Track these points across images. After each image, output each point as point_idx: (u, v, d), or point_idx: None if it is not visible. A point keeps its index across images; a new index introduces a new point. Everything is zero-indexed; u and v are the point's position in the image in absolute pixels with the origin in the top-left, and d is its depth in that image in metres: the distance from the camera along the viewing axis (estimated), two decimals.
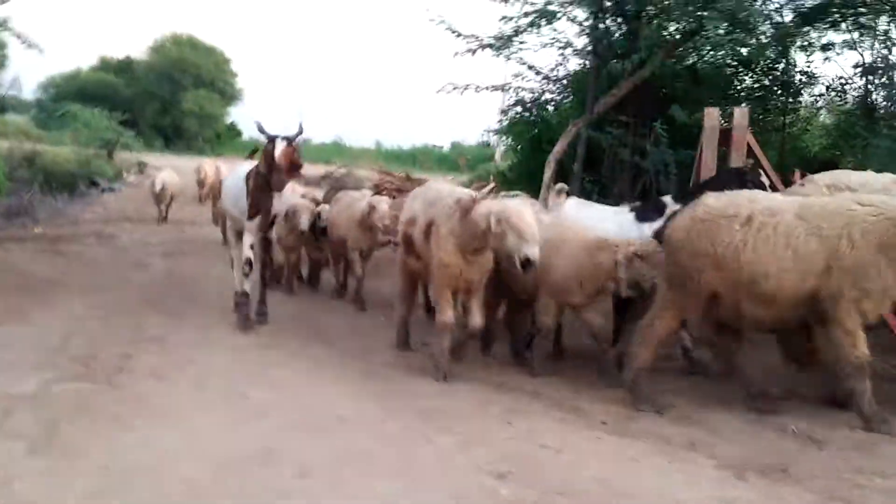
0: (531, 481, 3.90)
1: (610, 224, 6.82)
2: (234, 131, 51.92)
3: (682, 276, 5.43)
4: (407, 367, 6.34)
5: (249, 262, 7.56)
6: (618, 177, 11.46)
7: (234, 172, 8.22)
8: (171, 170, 17.47)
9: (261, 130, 7.20)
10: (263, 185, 7.39)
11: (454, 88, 12.56)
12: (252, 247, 7.63)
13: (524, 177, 13.25)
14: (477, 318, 6.05)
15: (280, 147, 7.07)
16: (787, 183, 8.12)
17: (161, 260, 11.48)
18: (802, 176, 7.71)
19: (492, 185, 14.84)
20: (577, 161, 11.25)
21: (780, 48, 11.07)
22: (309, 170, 27.41)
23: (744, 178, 6.63)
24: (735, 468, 4.35)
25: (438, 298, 6.13)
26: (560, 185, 8.04)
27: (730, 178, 6.69)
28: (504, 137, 15.38)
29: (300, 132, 7.32)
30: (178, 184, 16.75)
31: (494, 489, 3.76)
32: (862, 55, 11.38)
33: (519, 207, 5.59)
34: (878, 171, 9.10)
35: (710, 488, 3.96)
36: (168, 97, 47.36)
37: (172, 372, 5.74)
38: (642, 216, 6.87)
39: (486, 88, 12.85)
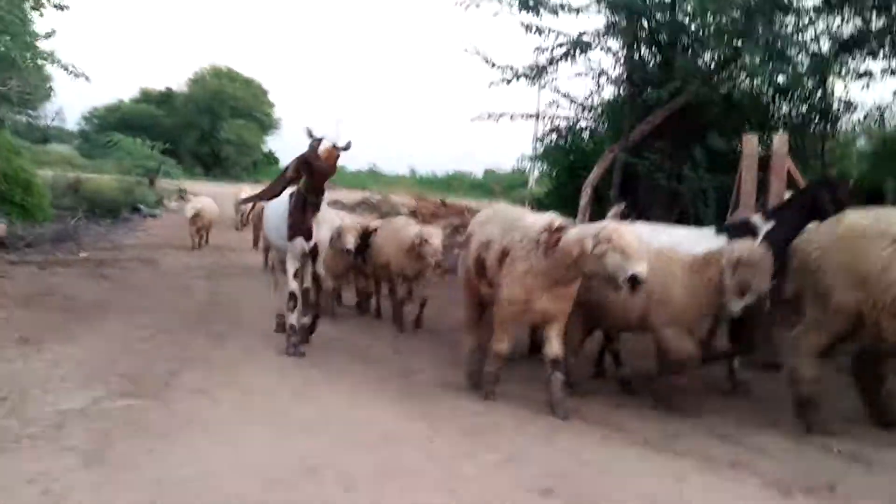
0: (575, 498, 3.92)
1: (701, 247, 6.33)
2: (271, 159, 52.73)
3: (818, 294, 5.30)
4: (447, 386, 6.39)
5: (294, 296, 7.36)
6: (654, 202, 11.47)
7: (276, 199, 8.13)
8: (207, 197, 17.75)
9: (309, 134, 7.05)
10: (303, 203, 7.23)
11: (489, 117, 12.74)
12: (296, 276, 7.43)
13: (559, 203, 13.31)
14: (556, 347, 5.75)
15: (325, 144, 6.95)
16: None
17: (203, 283, 11.67)
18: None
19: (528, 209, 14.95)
20: (613, 188, 11.30)
21: (817, 76, 11.04)
22: (345, 196, 27.95)
23: (834, 191, 6.53)
24: (780, 487, 4.34)
25: (497, 329, 5.93)
26: (618, 207, 7.86)
27: (819, 190, 6.61)
28: (539, 163, 15.49)
29: (348, 145, 7.17)
30: (212, 210, 16.91)
31: None
32: None
33: (615, 225, 5.34)
34: None
35: None
36: (207, 127, 48.28)
37: (217, 390, 5.83)
38: (735, 237, 6.48)
39: (521, 116, 13.03)
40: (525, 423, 5.41)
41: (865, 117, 12.10)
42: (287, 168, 7.40)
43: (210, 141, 48.09)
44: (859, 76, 11.35)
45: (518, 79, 11.70)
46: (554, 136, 13.59)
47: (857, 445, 5.17)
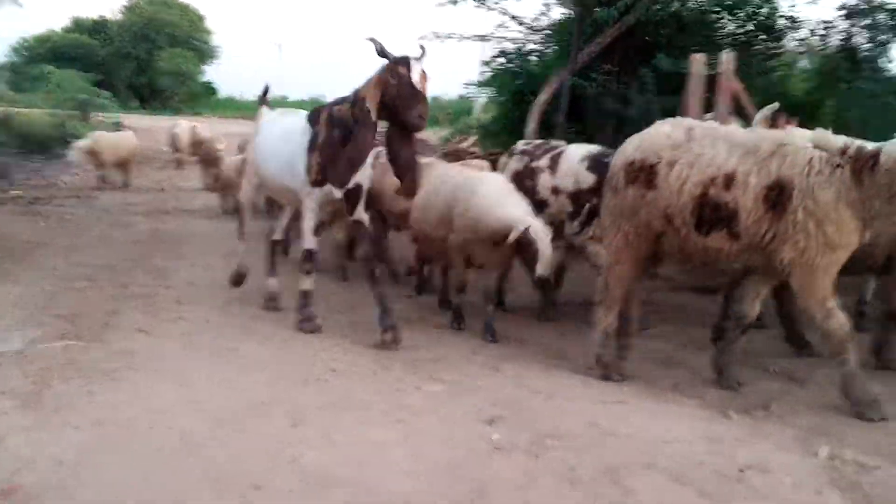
0: (522, 425, 3.94)
1: None
2: (210, 90, 51.23)
3: None
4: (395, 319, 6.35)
5: (310, 255, 5.91)
6: (602, 126, 11.42)
7: (271, 125, 6.36)
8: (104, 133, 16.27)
9: (381, 52, 5.38)
10: (344, 136, 5.61)
11: (436, 37, 12.47)
12: (316, 232, 6.02)
13: (507, 129, 13.20)
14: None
15: (417, 69, 5.27)
16: (774, 128, 8.12)
17: (143, 220, 11.38)
18: (787, 122, 7.69)
19: (473, 138, 14.83)
20: (560, 112, 11.20)
21: None
22: None
23: None
24: (719, 407, 4.44)
25: (819, 288, 4.30)
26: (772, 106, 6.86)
27: None
28: (486, 88, 15.28)
29: (423, 53, 5.43)
30: (118, 145, 15.34)
31: (486, 434, 3.79)
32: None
33: None
34: (860, 114, 9.16)
35: (695, 427, 4.02)
36: (143, 57, 46.56)
37: (160, 328, 5.71)
38: None
39: (469, 38, 12.79)
40: (470, 355, 5.41)
41: (811, 33, 12.11)
42: (349, 102, 5.63)
43: (147, 72, 46.41)
44: None
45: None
46: (502, 59, 13.38)
47: (792, 365, 5.33)
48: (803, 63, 12.96)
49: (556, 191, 6.53)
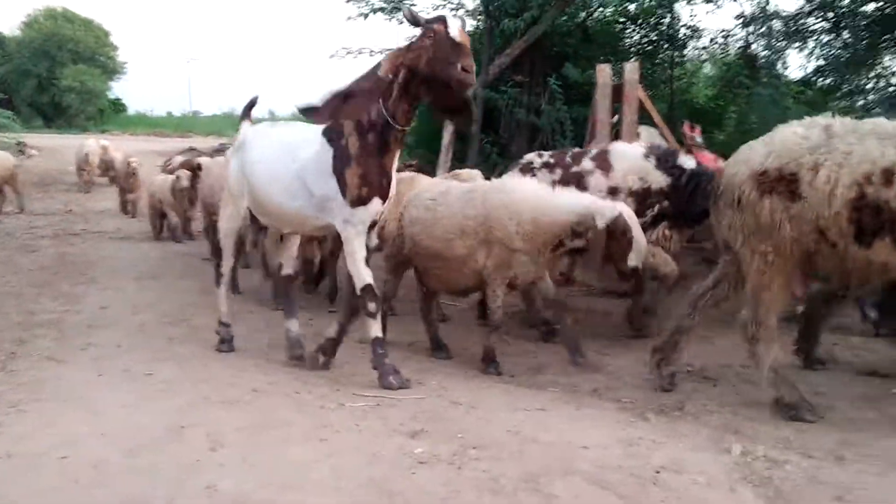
0: (445, 437, 3.95)
1: None
2: (118, 106, 49.89)
3: None
4: (314, 336, 6.30)
5: (373, 293, 4.96)
6: (515, 137, 11.61)
7: (265, 141, 5.39)
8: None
9: (413, 19, 4.76)
10: (383, 137, 4.80)
11: (348, 53, 12.48)
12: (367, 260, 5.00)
13: (423, 140, 13.27)
14: None
15: (456, 25, 4.57)
16: (678, 135, 8.42)
17: (50, 243, 11.00)
18: (691, 129, 7.99)
19: None
20: (474, 123, 11.31)
21: (665, 2, 11.36)
22: (200, 143, 26.84)
23: None
24: (637, 410, 4.55)
25: None
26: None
27: None
28: None
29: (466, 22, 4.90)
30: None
31: (409, 448, 3.79)
32: (742, 6, 11.84)
33: None
34: (761, 118, 9.55)
35: (614, 430, 4.10)
36: (45, 74, 45.00)
37: (71, 355, 5.53)
38: None
39: (381, 52, 12.78)
40: None
41: (711, 41, 12.60)
42: (332, 134, 4.96)
43: (49, 89, 44.83)
44: (706, 1, 11.77)
45: (375, 13, 11.46)
46: None
47: (704, 365, 5.51)
48: (706, 70, 13.48)
49: (614, 191, 6.12)
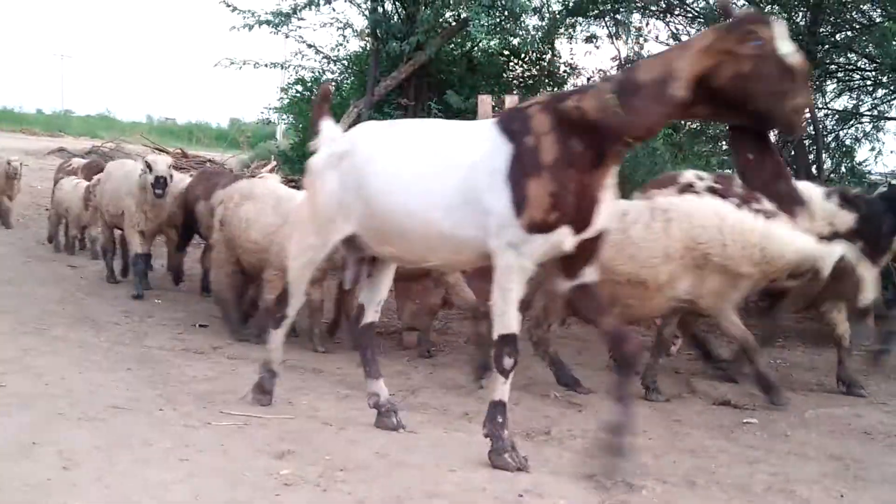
0: (313, 458, 3.92)
1: None
2: None
3: None
4: (184, 351, 6.15)
5: (514, 347, 3.86)
6: None
7: (397, 133, 4.20)
8: None
9: (723, 7, 3.66)
10: (602, 146, 3.60)
11: (231, 63, 12.27)
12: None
13: (307, 156, 13.16)
14: None
15: (784, 35, 3.34)
16: None
17: None
18: None
19: (273, 164, 14.65)
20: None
21: (547, 40, 11.75)
22: (71, 144, 25.59)
23: None
24: None
25: None
26: None
27: None
28: (285, 116, 15.19)
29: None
30: None
31: (275, 469, 3.73)
32: (618, 50, 12.39)
33: None
34: (631, 158, 9.98)
35: (481, 454, 4.13)
36: None
37: None
38: None
39: (266, 65, 12.69)
40: None
41: (588, 80, 13.11)
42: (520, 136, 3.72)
43: None
44: (587, 40, 12.23)
45: (260, 25, 11.30)
46: (299, 87, 13.37)
47: (571, 391, 5.69)
48: None
49: None
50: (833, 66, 11.33)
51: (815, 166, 10.66)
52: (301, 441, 4.20)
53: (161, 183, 7.87)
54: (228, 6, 11.35)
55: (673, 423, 4.99)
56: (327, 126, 4.52)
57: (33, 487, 3.38)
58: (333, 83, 13.07)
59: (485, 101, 8.24)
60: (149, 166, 7.93)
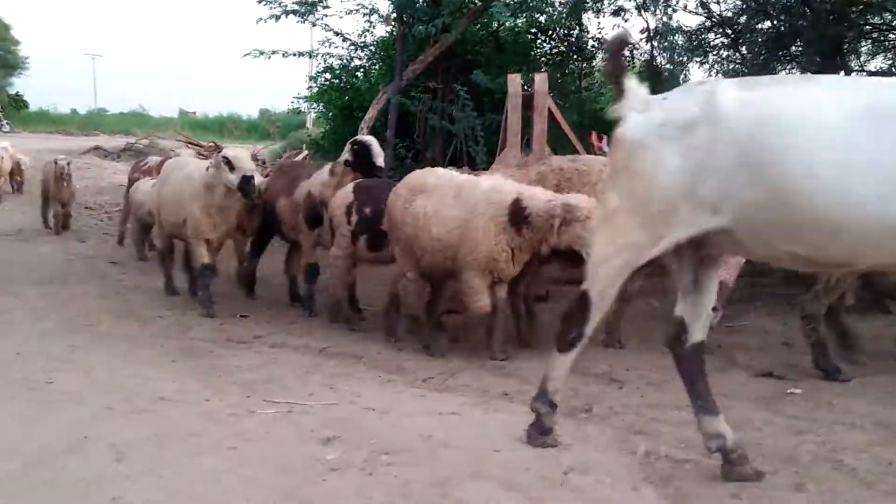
0: (357, 443, 3.96)
1: None
2: (19, 102, 47.83)
3: None
4: (227, 342, 6.24)
5: None
6: (430, 142, 11.70)
7: (793, 94, 3.24)
8: None
9: None
10: None
11: (261, 54, 12.35)
12: None
13: (338, 144, 13.24)
14: None
15: None
16: (588, 145, 8.64)
17: None
18: (599, 139, 8.22)
19: (305, 152, 14.77)
20: (389, 128, 11.37)
21: (574, 15, 11.65)
22: (106, 142, 25.93)
23: None
24: None
25: None
26: None
27: None
28: (315, 105, 15.27)
29: None
30: None
31: (321, 455, 3.79)
32: (647, 22, 12.24)
33: None
34: None
35: (523, 434, 4.18)
36: None
37: None
38: None
39: (294, 55, 12.75)
40: (305, 375, 5.38)
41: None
42: None
43: None
44: (615, 13, 12.10)
45: (287, 15, 11.35)
46: (327, 75, 13.42)
47: (610, 368, 5.67)
48: None
49: None
50: (868, 27, 11.09)
51: None
52: (345, 427, 4.24)
53: (250, 184, 6.71)
54: None
55: (716, 396, 4.94)
56: (633, 86, 3.49)
57: (87, 482, 3.47)
58: (361, 69, 13.11)
59: (514, 81, 8.22)
60: (229, 164, 6.75)
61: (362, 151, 6.89)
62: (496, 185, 5.81)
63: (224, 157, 6.83)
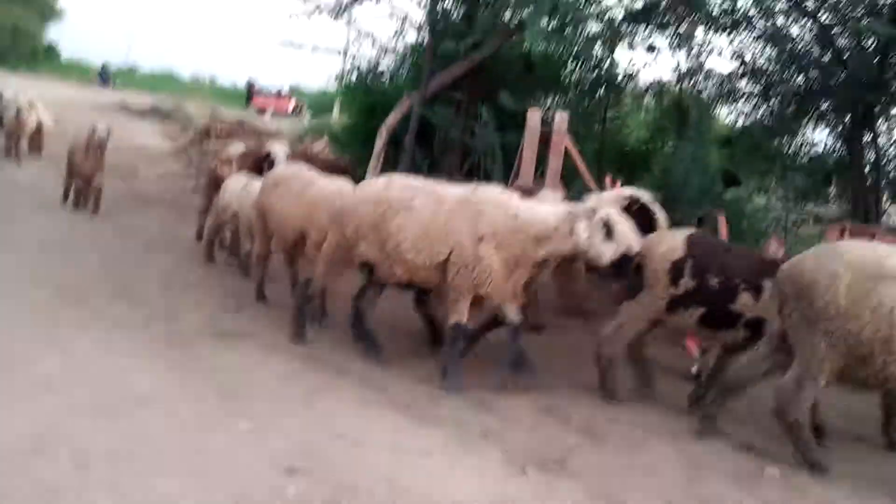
0: (322, 478, 3.90)
1: None
2: (53, 52, 47.94)
3: None
4: (213, 335, 6.17)
5: None
6: (448, 154, 11.68)
7: None
8: None
9: None
10: None
11: (299, 46, 12.57)
12: None
13: (357, 142, 13.26)
14: None
15: None
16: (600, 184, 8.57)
17: None
18: (613, 183, 8.16)
19: (325, 140, 14.82)
20: (409, 134, 11.34)
21: (607, 46, 11.59)
22: (133, 100, 25.69)
23: None
24: (519, 461, 4.50)
25: None
26: None
27: None
28: (340, 98, 15.39)
29: None
30: None
31: (282, 487, 3.74)
32: (678, 62, 12.16)
33: None
34: (683, 172, 9.82)
35: (491, 485, 4.12)
36: None
37: None
38: None
39: (325, 51, 12.87)
40: (285, 384, 5.30)
41: (647, 90, 12.90)
42: None
43: None
44: (648, 49, 12.02)
45: (320, 13, 11.39)
46: (355, 74, 13.48)
47: (592, 417, 5.45)
48: (639, 115, 13.80)
49: None
50: None
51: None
52: (312, 456, 4.17)
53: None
54: None
55: (690, 468, 4.84)
56: None
57: (46, 488, 3.44)
58: (388, 73, 13.13)
59: (534, 116, 8.15)
60: (609, 229, 5.41)
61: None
62: None
63: (604, 221, 5.39)
